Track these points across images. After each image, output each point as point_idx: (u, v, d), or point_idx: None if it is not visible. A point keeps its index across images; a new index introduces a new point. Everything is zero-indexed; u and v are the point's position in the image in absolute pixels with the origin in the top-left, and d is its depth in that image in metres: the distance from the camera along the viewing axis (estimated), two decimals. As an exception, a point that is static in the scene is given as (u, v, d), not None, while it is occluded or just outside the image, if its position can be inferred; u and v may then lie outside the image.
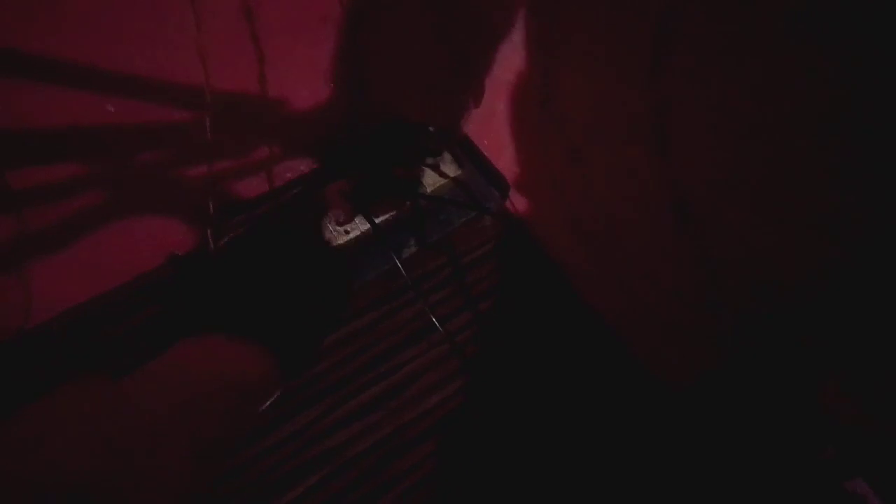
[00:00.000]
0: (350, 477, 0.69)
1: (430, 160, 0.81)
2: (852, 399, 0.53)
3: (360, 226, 0.78)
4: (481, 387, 0.75)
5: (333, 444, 0.70)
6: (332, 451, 0.70)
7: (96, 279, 0.77)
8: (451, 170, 0.83)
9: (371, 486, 0.69)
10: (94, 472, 0.37)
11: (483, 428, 0.74)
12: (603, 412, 0.75)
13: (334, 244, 0.77)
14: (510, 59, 0.75)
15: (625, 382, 0.76)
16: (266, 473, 0.68)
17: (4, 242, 0.66)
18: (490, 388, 0.76)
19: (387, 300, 0.79)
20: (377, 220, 0.77)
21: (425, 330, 0.77)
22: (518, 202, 0.86)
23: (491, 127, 0.85)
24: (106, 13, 0.55)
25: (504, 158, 0.85)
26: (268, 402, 0.52)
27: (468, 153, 0.86)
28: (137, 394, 0.44)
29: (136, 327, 0.77)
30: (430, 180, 0.82)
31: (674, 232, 0.61)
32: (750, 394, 0.66)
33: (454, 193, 0.83)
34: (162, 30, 0.59)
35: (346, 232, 0.77)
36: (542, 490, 0.70)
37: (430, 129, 0.80)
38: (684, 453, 0.72)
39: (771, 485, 0.65)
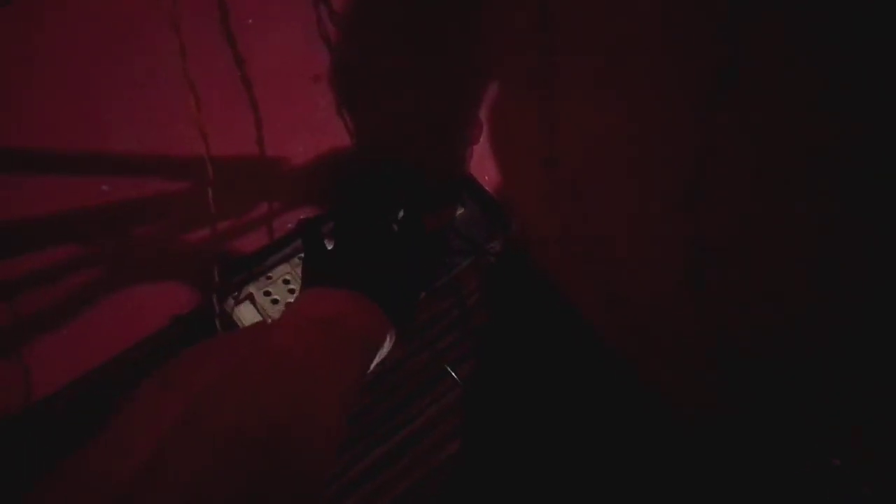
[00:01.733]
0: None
1: (431, 203, 0.80)
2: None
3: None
4: (497, 431, 0.76)
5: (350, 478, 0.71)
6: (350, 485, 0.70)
7: (98, 350, 0.75)
8: (453, 210, 0.82)
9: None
10: (275, 425, 0.39)
11: (496, 474, 0.74)
12: (618, 452, 0.76)
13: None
14: (506, 97, 0.73)
15: (639, 418, 0.77)
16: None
17: None
18: (505, 433, 0.76)
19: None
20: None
21: (437, 377, 0.77)
22: (524, 237, 0.86)
23: (490, 162, 0.84)
24: (98, 97, 0.53)
25: (507, 193, 0.85)
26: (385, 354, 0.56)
27: (470, 191, 0.85)
28: (291, 352, 0.46)
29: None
30: (434, 221, 0.81)
31: (681, 288, 0.62)
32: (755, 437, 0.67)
33: (456, 234, 0.82)
34: (159, 107, 0.57)
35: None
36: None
37: (430, 171, 0.79)
38: (693, 484, 0.74)
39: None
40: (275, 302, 0.74)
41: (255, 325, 0.72)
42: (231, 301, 0.73)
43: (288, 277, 0.76)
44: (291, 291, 0.75)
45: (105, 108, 0.54)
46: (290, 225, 0.80)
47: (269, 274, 0.76)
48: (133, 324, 0.76)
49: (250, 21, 0.57)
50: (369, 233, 0.65)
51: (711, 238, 0.56)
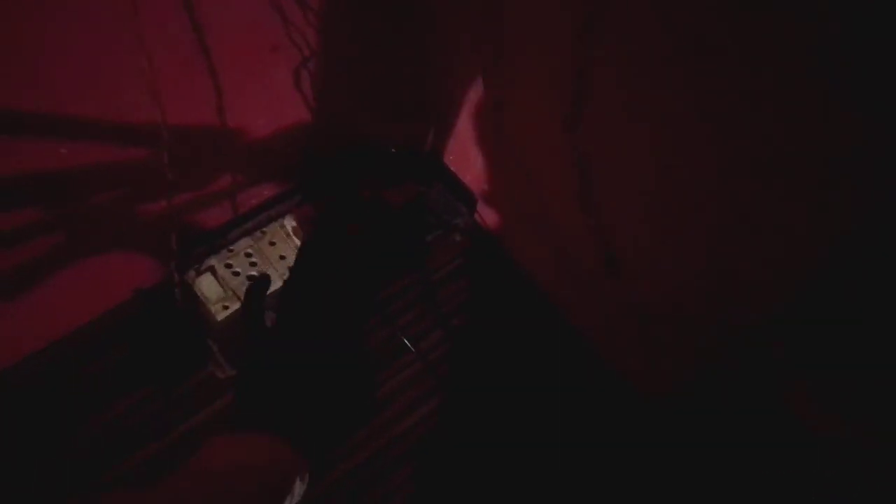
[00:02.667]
0: (342, 498, 0.70)
1: (395, 181, 0.81)
2: (819, 401, 0.55)
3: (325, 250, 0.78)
4: (457, 404, 0.76)
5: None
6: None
7: (59, 322, 0.75)
8: (416, 188, 0.84)
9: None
10: None
11: (460, 446, 0.74)
12: (578, 421, 0.76)
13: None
14: (468, 78, 0.75)
15: (599, 391, 0.78)
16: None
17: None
18: (465, 404, 0.76)
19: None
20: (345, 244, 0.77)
21: (398, 351, 0.78)
22: (487, 216, 0.87)
23: (455, 144, 0.85)
24: (56, 58, 0.54)
25: (470, 173, 0.86)
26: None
27: (434, 169, 0.86)
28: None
29: (104, 368, 0.76)
30: (397, 199, 0.82)
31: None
32: (724, 402, 0.68)
33: (421, 211, 0.83)
34: (114, 71, 0.58)
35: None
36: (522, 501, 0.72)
37: (392, 150, 0.80)
38: (661, 461, 0.74)
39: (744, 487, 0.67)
40: (236, 274, 0.75)
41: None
42: (192, 273, 0.74)
43: (250, 251, 0.76)
44: (253, 265, 0.76)
45: (60, 67, 0.55)
46: (254, 200, 0.81)
47: (232, 247, 0.76)
48: (94, 296, 0.76)
49: (207, -11, 0.59)
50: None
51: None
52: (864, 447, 0.55)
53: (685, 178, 0.54)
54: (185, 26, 0.59)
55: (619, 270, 0.65)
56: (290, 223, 0.77)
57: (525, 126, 0.69)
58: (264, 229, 0.78)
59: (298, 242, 0.77)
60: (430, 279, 0.83)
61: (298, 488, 0.49)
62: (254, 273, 0.75)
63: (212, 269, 0.74)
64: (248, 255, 0.76)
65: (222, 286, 0.74)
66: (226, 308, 0.73)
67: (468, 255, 0.86)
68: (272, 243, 0.77)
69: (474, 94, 0.76)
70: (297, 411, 0.50)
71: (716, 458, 0.69)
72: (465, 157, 0.85)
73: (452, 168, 0.88)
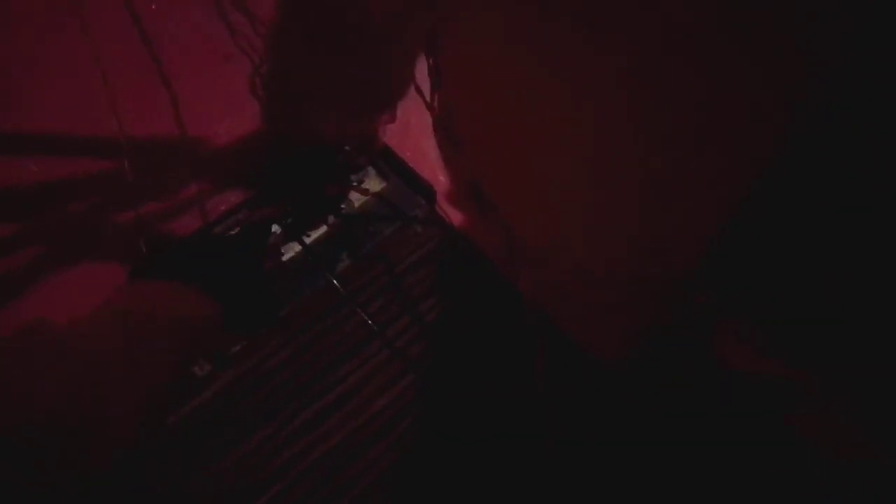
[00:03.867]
0: (309, 484, 0.72)
1: (353, 178, 0.86)
2: (749, 345, 0.59)
3: (293, 247, 0.82)
4: (426, 384, 0.79)
5: (290, 455, 0.74)
6: (290, 462, 0.74)
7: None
8: (375, 183, 0.88)
9: (329, 491, 0.72)
10: (48, 417, 0.37)
11: (430, 424, 0.78)
12: (546, 395, 0.79)
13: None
14: (413, 74, 0.80)
15: (561, 363, 0.81)
16: (228, 489, 0.72)
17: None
18: (434, 385, 0.80)
19: (326, 315, 0.83)
20: (308, 240, 0.82)
21: (367, 339, 0.81)
22: (445, 206, 0.91)
23: (409, 138, 0.90)
24: (16, 82, 0.59)
25: (426, 166, 0.90)
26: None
27: (391, 164, 0.91)
28: (82, 338, 0.44)
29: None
30: (357, 195, 0.87)
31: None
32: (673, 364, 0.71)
33: (381, 205, 0.87)
34: (74, 88, 0.63)
35: (282, 254, 0.81)
36: (492, 477, 0.75)
37: (347, 147, 0.84)
38: (625, 429, 0.77)
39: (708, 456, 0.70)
40: (207, 275, 0.79)
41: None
42: (165, 277, 0.78)
43: (219, 253, 0.81)
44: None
45: (23, 86, 0.60)
46: (222, 206, 0.85)
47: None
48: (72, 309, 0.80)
49: (153, 6, 0.64)
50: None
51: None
52: (791, 386, 0.58)
53: (608, 154, 0.59)
54: (136, 41, 0.64)
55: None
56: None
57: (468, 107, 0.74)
58: (232, 232, 0.82)
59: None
60: (394, 270, 0.87)
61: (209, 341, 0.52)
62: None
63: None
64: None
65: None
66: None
67: (430, 243, 0.90)
68: (240, 244, 0.81)
69: (423, 88, 0.80)
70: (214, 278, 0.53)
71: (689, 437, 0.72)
72: (420, 150, 0.89)
73: (410, 162, 0.92)
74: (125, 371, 0.43)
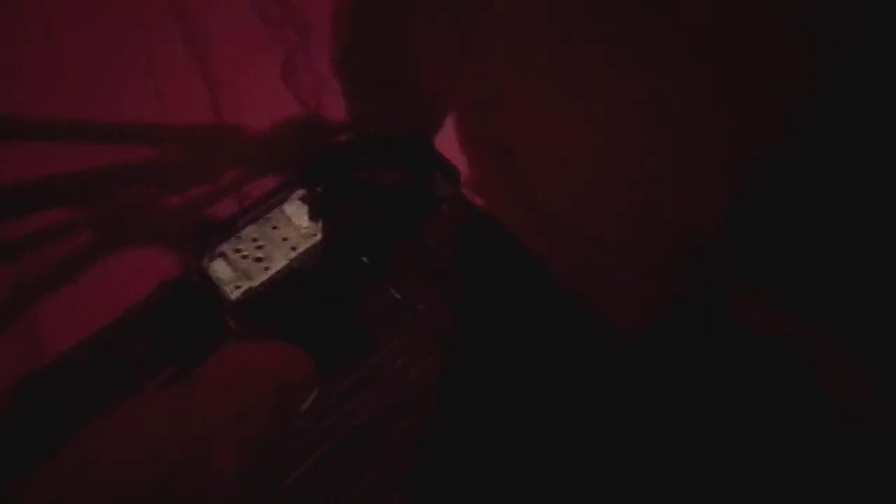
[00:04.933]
0: (350, 451, 0.76)
1: (384, 161, 0.89)
2: (762, 306, 0.60)
3: (323, 229, 0.86)
4: (455, 358, 0.82)
5: (331, 423, 0.77)
6: (330, 430, 0.77)
7: (98, 313, 0.85)
8: (404, 166, 0.91)
9: (369, 457, 0.76)
10: (153, 481, 0.40)
11: (460, 397, 0.80)
12: (567, 365, 0.81)
13: (300, 249, 0.84)
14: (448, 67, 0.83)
15: (584, 336, 0.83)
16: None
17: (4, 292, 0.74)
18: (463, 358, 0.82)
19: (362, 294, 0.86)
20: (341, 222, 0.85)
21: (400, 314, 0.85)
22: (471, 187, 0.93)
23: (442, 126, 0.92)
24: (67, 75, 0.64)
25: (452, 150, 0.93)
26: (309, 401, 0.57)
27: (420, 148, 0.94)
28: (191, 401, 0.48)
29: (136, 358, 0.85)
30: (387, 178, 0.90)
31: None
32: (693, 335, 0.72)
33: (410, 187, 0.90)
34: (122, 80, 0.67)
35: (313, 235, 0.85)
36: (514, 445, 0.77)
37: (377, 133, 0.88)
38: (644, 404, 0.78)
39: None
40: (245, 257, 0.83)
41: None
42: (206, 259, 0.83)
43: (256, 236, 0.85)
44: (259, 248, 0.84)
45: (68, 72, 0.64)
46: (258, 191, 0.90)
47: (240, 234, 0.85)
48: (126, 288, 0.86)
49: None
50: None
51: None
52: (800, 345, 0.59)
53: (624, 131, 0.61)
54: (179, 35, 0.69)
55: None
56: (289, 208, 0.86)
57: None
58: (267, 216, 0.86)
59: (299, 225, 0.86)
60: (423, 248, 0.90)
61: (308, 392, 0.54)
62: (260, 256, 0.84)
63: (223, 255, 0.83)
64: (255, 240, 0.85)
65: (233, 269, 0.82)
66: (238, 288, 0.81)
67: (456, 222, 0.92)
68: (275, 227, 0.86)
69: (453, 80, 0.83)
70: (303, 329, 0.56)
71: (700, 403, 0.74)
72: (450, 138, 0.92)
73: (440, 149, 0.95)
74: (232, 429, 0.46)
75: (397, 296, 0.83)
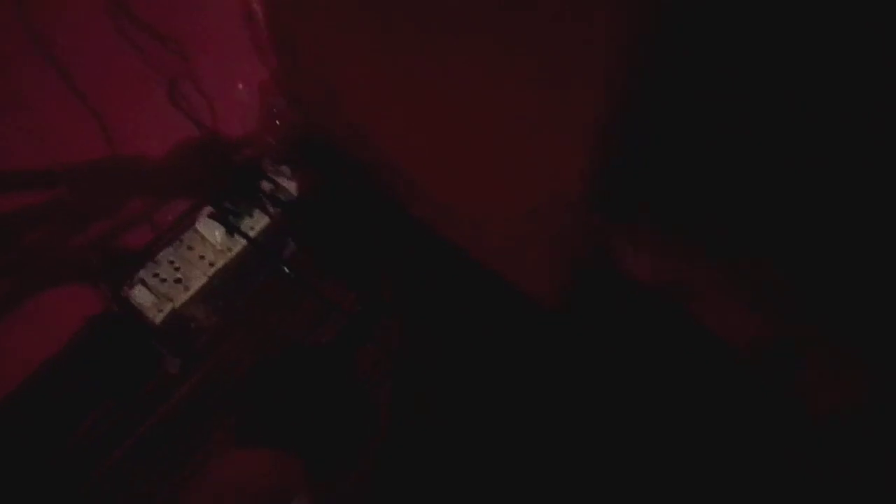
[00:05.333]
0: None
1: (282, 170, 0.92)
2: (645, 252, 0.64)
3: (239, 242, 0.88)
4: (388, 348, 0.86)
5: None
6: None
7: (26, 358, 0.86)
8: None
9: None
10: None
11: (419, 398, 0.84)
12: (495, 341, 0.85)
13: (219, 265, 0.87)
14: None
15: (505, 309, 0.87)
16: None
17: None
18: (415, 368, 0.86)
19: (283, 297, 0.89)
20: (252, 233, 0.88)
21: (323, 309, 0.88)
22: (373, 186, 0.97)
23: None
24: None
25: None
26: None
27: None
28: None
29: (71, 391, 0.86)
30: (292, 185, 0.93)
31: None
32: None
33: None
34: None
35: (229, 250, 0.87)
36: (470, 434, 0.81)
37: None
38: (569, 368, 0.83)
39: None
40: (163, 281, 0.85)
41: None
42: (125, 288, 0.84)
43: (172, 258, 0.87)
44: (177, 269, 0.86)
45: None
46: (170, 216, 0.92)
47: (156, 259, 0.87)
48: (53, 329, 0.87)
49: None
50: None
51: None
52: (686, 287, 0.63)
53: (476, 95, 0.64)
54: (52, 75, 0.70)
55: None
56: (202, 227, 0.88)
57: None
58: (181, 237, 0.89)
59: (213, 242, 0.88)
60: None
61: (305, 496, 0.54)
62: (179, 276, 0.86)
63: (142, 281, 0.85)
64: (171, 262, 0.87)
65: (153, 293, 0.85)
66: (160, 311, 0.84)
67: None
68: (190, 248, 0.88)
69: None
70: (299, 431, 0.57)
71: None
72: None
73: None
74: None
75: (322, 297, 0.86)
